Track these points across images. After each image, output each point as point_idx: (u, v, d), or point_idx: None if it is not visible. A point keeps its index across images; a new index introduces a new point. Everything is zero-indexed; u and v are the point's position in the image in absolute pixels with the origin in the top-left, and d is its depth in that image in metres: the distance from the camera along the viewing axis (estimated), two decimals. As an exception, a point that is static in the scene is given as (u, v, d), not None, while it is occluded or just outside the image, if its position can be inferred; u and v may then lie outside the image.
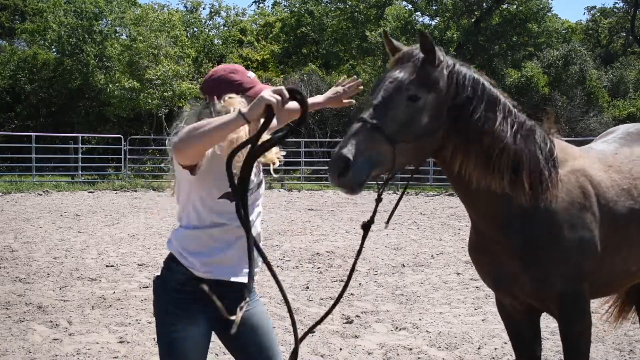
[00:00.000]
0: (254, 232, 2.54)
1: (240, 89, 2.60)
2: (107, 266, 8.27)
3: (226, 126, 2.28)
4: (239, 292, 2.51)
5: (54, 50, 31.67)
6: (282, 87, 2.28)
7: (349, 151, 2.55)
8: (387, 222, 2.99)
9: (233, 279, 2.67)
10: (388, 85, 2.68)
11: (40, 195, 18.78)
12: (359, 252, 2.86)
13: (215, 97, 2.56)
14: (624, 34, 43.47)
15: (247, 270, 2.54)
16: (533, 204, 2.83)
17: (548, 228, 2.85)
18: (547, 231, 2.85)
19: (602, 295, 3.48)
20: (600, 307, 4.36)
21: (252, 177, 2.60)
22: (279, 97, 2.25)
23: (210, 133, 2.28)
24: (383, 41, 3.05)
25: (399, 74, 2.69)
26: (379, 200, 2.79)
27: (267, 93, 2.25)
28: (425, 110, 2.66)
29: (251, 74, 2.69)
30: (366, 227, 2.82)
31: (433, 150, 2.76)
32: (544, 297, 2.95)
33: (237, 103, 2.51)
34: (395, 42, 2.88)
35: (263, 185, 2.80)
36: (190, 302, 2.62)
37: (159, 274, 2.72)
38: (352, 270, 2.88)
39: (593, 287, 3.04)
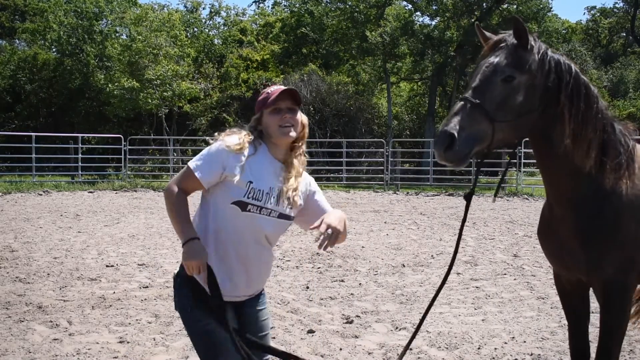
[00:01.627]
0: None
1: (262, 105, 2.89)
2: (107, 266, 8.27)
3: (173, 224, 2.77)
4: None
5: (54, 50, 31.70)
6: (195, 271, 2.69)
7: (453, 127, 2.79)
8: (495, 195, 3.61)
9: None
10: (485, 70, 2.95)
11: (40, 195, 18.77)
12: (464, 221, 3.26)
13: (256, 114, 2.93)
14: (624, 34, 43.48)
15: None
16: (606, 190, 3.07)
17: (613, 215, 3.06)
18: (612, 218, 3.06)
19: None
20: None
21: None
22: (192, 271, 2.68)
23: (168, 211, 2.79)
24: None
25: (494, 59, 2.96)
26: (478, 172, 3.26)
27: (187, 258, 2.66)
28: (520, 89, 2.92)
29: (272, 89, 2.91)
30: (468, 197, 3.15)
31: (529, 128, 3.01)
32: (593, 280, 3.15)
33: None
34: (486, 33, 3.13)
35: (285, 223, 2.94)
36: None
37: (178, 270, 2.87)
38: (456, 249, 3.38)
39: None
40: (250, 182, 2.73)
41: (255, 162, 2.77)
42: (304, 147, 2.97)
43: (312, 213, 2.95)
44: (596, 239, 3.06)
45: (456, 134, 2.76)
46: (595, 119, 3.04)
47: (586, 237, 3.07)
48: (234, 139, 2.76)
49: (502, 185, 20.93)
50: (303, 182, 2.96)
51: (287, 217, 2.88)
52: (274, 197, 2.80)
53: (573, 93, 3.00)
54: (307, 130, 2.96)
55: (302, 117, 2.91)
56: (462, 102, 2.87)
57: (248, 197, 2.73)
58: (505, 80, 2.89)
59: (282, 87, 2.88)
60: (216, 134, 2.87)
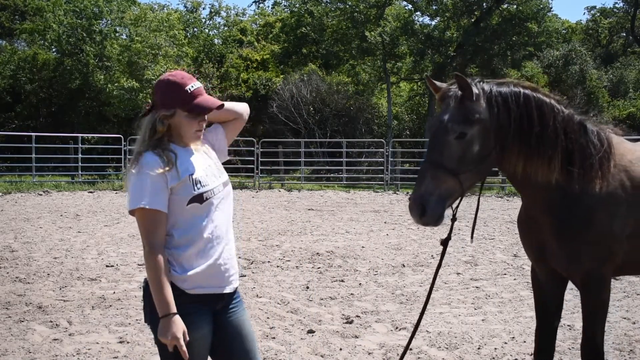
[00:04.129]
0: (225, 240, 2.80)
1: (180, 103, 2.69)
2: (107, 266, 8.27)
3: (154, 293, 2.63)
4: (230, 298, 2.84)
5: (54, 50, 31.67)
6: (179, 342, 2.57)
7: (421, 195, 3.03)
8: (471, 237, 3.71)
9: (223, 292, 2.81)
10: (438, 130, 3.11)
11: (40, 195, 18.77)
12: (439, 265, 3.48)
13: (162, 108, 2.70)
14: (624, 34, 43.48)
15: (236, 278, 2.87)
16: (575, 192, 3.25)
17: (585, 214, 3.26)
18: (584, 217, 3.26)
19: (634, 274, 3.90)
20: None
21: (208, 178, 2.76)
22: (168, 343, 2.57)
23: (150, 278, 2.66)
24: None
25: (444, 117, 3.11)
26: (454, 219, 3.24)
27: (167, 333, 2.56)
28: (474, 140, 3.09)
29: (193, 85, 2.72)
30: (445, 242, 3.38)
31: (493, 165, 3.23)
32: (573, 272, 3.38)
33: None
34: (436, 83, 3.28)
35: (228, 188, 2.88)
36: (188, 305, 2.67)
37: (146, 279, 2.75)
38: (432, 285, 3.61)
39: (625, 267, 3.47)
40: (191, 175, 2.69)
41: (181, 160, 2.71)
42: None
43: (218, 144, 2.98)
44: (572, 236, 3.27)
45: (426, 202, 3.00)
46: (554, 135, 3.20)
47: (562, 236, 3.29)
48: (158, 162, 2.64)
49: (502, 185, 20.95)
50: (206, 146, 2.95)
51: (228, 182, 2.88)
52: (213, 174, 2.79)
53: (523, 122, 3.16)
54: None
55: None
56: (424, 165, 3.09)
57: (197, 188, 2.68)
58: (458, 137, 3.07)
59: (201, 86, 2.75)
60: (128, 166, 2.71)
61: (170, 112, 2.68)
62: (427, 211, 3.00)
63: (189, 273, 2.68)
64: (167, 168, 2.62)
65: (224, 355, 2.84)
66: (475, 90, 3.13)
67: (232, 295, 2.85)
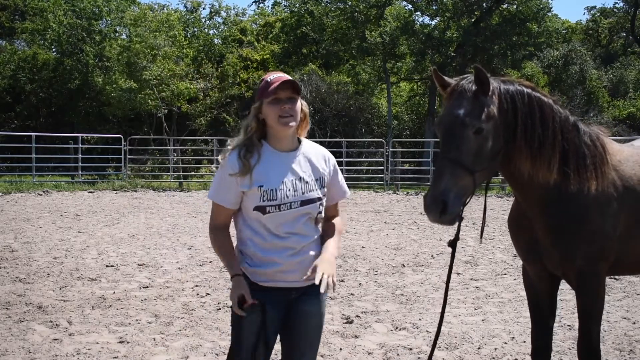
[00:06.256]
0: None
1: (262, 93, 2.85)
2: (107, 266, 8.27)
3: (223, 262, 2.92)
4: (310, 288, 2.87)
5: (53, 50, 31.69)
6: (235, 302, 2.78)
7: (443, 192, 2.98)
8: (481, 236, 3.65)
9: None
10: (453, 124, 3.06)
11: (40, 195, 18.77)
12: (450, 267, 3.38)
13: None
14: (624, 34, 43.47)
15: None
16: (571, 192, 3.27)
17: (578, 213, 3.30)
18: (578, 215, 3.30)
19: (626, 273, 3.97)
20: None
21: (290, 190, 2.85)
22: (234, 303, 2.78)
23: (214, 250, 2.97)
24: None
25: (461, 111, 3.05)
26: (461, 219, 3.13)
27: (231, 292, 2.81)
28: (489, 136, 3.07)
29: (272, 76, 2.86)
30: (453, 244, 3.30)
31: (499, 164, 3.22)
32: (566, 271, 3.40)
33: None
34: (445, 78, 3.22)
35: (315, 205, 2.91)
36: (257, 292, 2.81)
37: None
38: (447, 286, 3.48)
39: (617, 266, 3.49)
40: (261, 186, 2.79)
41: (261, 166, 2.81)
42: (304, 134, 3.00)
43: (332, 189, 3.02)
44: (566, 235, 3.30)
45: (447, 199, 2.95)
46: (552, 135, 3.22)
47: (556, 235, 3.31)
48: (235, 165, 2.81)
49: (502, 185, 20.94)
50: (319, 157, 2.97)
51: (311, 201, 2.88)
52: (289, 190, 2.82)
53: (528, 121, 3.17)
54: (308, 119, 2.95)
55: (302, 106, 2.89)
56: (442, 162, 3.03)
57: (263, 200, 2.80)
58: (477, 132, 3.02)
59: (283, 76, 2.83)
60: (220, 157, 2.90)
61: (257, 103, 2.86)
62: (448, 208, 2.95)
63: (257, 269, 2.84)
64: (238, 174, 2.80)
65: (286, 339, 2.96)
66: (493, 85, 3.11)
67: (312, 286, 2.86)
